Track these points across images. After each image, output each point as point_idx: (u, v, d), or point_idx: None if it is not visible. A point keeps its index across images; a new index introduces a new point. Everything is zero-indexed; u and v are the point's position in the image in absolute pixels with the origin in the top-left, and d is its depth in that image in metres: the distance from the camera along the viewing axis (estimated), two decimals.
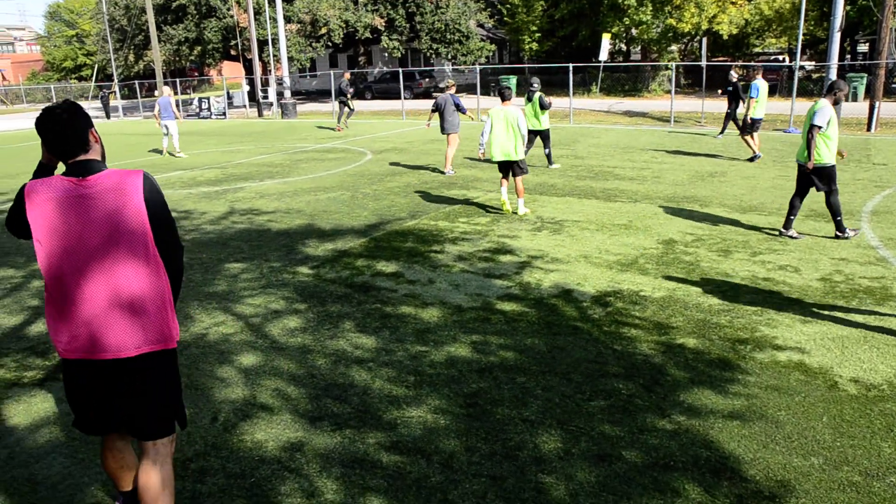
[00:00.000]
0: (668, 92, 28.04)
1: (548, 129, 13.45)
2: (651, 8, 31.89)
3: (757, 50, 38.39)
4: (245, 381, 4.92)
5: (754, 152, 13.75)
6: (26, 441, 4.27)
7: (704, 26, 31.54)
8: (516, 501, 3.48)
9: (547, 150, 13.72)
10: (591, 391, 4.57)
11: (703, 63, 22.26)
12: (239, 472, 3.84)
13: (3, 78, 69.01)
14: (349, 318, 6.05)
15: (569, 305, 6.13)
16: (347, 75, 23.69)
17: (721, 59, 37.22)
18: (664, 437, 3.99)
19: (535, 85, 13.19)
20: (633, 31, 35.70)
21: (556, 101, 31.03)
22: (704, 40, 23.14)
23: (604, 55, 25.70)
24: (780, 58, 38.39)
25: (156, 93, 23.22)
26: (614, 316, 5.84)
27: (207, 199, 11.96)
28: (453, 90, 13.75)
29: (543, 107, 13.09)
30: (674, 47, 37.80)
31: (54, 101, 41.26)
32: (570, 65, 24.15)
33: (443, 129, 13.45)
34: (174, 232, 3.01)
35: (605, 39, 26.02)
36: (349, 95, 23.00)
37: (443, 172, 13.46)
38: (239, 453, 4.03)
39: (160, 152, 19.32)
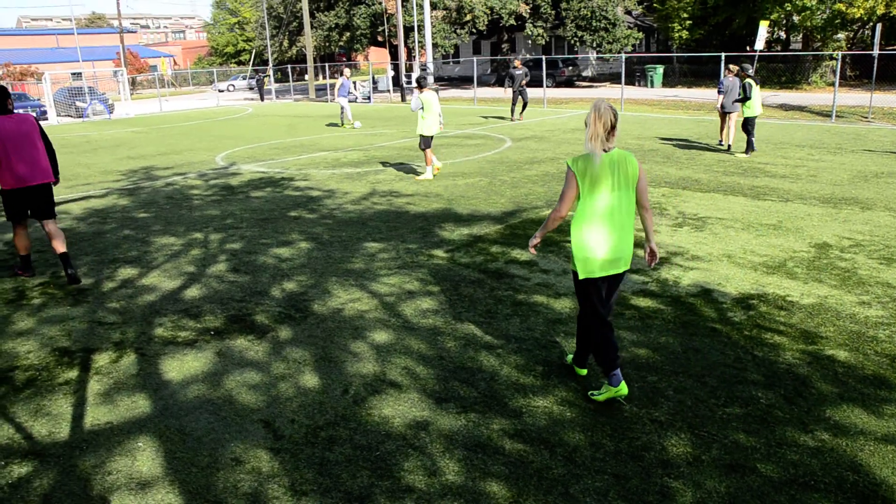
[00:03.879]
0: (832, 84, 26.06)
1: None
2: None
3: None
4: (376, 357, 5.08)
5: None
6: (178, 395, 4.62)
7: (880, 11, 28.84)
8: (639, 503, 3.39)
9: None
10: (727, 397, 4.36)
11: (876, 52, 20.41)
12: (365, 445, 3.97)
13: (175, 63, 74.60)
14: (481, 303, 6.09)
15: (708, 306, 5.86)
16: (518, 62, 21.86)
17: None
18: (805, 454, 3.74)
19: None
20: (795, 18, 33.31)
21: (705, 93, 29.67)
22: (879, 26, 21.17)
23: (760, 44, 24.18)
24: None
25: (338, 76, 24.12)
26: (757, 320, 5.53)
27: (350, 180, 12.41)
28: None
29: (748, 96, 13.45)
30: (840, 35, 34.91)
31: (216, 83, 44.17)
32: (723, 54, 22.89)
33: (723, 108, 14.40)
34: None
35: (763, 27, 24.46)
36: (523, 84, 21.13)
37: None
38: (366, 426, 4.17)
39: (337, 125, 22.82)
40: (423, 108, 11.79)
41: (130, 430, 4.22)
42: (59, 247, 7.04)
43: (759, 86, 13.85)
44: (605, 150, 4.09)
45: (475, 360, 4.99)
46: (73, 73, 48.86)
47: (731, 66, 14.41)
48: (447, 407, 4.35)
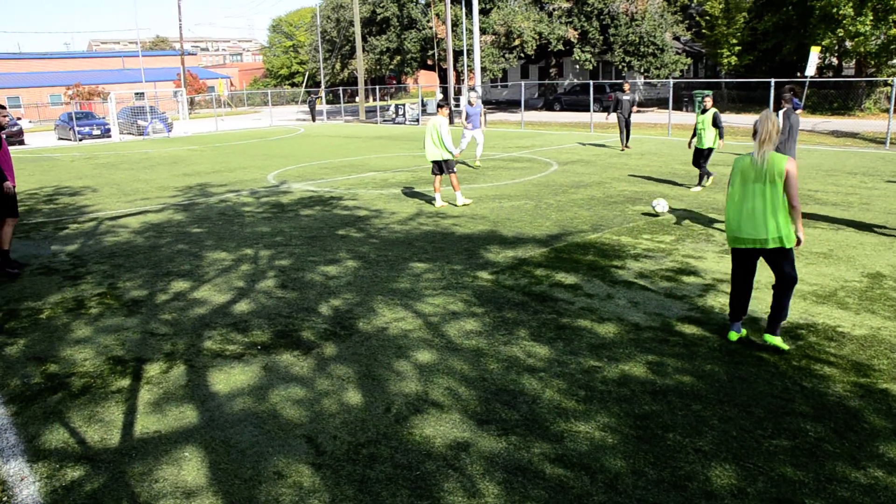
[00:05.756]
0: (886, 111, 25.39)
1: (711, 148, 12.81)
2: (871, 17, 28.96)
3: None
4: (419, 377, 5.12)
5: None
6: (224, 407, 4.73)
7: None
8: None
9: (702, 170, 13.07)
10: (774, 429, 4.26)
11: None
12: (406, 464, 4.00)
13: (231, 84, 76.68)
14: (524, 325, 6.09)
15: (755, 334, 5.75)
16: (627, 87, 19.82)
17: None
18: (857, 491, 3.64)
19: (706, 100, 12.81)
20: (848, 44, 32.61)
21: (753, 118, 29.16)
22: None
23: (811, 70, 23.71)
24: None
25: (466, 98, 21.33)
26: (805, 350, 5.41)
27: (397, 201, 12.55)
28: None
29: (716, 124, 12.68)
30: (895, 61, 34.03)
31: (270, 104, 45.22)
32: (772, 80, 22.54)
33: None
34: None
35: (814, 53, 24.00)
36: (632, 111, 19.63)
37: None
38: (407, 445, 4.20)
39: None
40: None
41: (178, 439, 4.33)
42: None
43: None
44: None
45: (517, 382, 4.98)
46: (137, 93, 50.65)
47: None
48: (488, 429, 4.36)
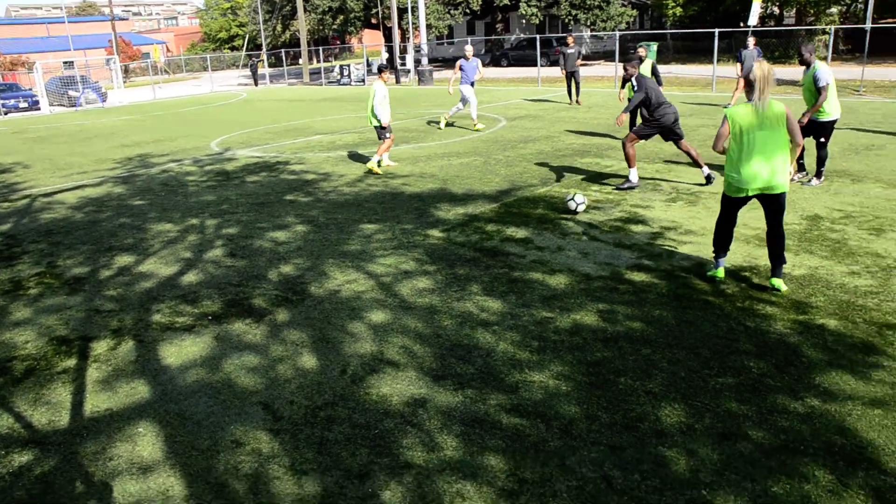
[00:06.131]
0: (824, 58, 25.91)
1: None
2: None
3: None
4: (374, 337, 5.13)
5: None
6: (177, 380, 4.67)
7: None
8: (634, 472, 3.45)
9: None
10: (720, 367, 4.41)
11: (868, 26, 20.31)
12: (364, 423, 4.03)
13: (168, 50, 74.16)
14: (477, 281, 6.13)
15: (700, 279, 5.90)
16: (571, 39, 19.52)
17: (890, 20, 33.86)
18: (795, 420, 3.80)
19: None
20: None
21: (699, 69, 29.52)
22: (871, 0, 21.06)
23: (753, 20, 24.01)
24: None
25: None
26: (749, 292, 5.58)
27: (345, 163, 12.41)
28: None
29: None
30: (833, 9, 34.69)
31: (209, 70, 43.97)
32: (716, 30, 22.78)
33: None
34: None
35: (756, 3, 24.29)
36: (577, 64, 19.16)
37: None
38: (365, 405, 4.22)
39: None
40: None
41: (130, 415, 4.27)
42: None
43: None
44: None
45: (471, 337, 5.03)
46: (65, 62, 48.60)
47: (751, 39, 15.72)
48: (444, 384, 4.40)
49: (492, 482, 3.45)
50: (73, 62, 43.65)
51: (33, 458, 3.90)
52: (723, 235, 5.81)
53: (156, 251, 7.66)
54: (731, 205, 5.67)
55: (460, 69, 15.76)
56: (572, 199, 8.00)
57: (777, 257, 5.52)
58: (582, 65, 20.89)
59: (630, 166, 9.22)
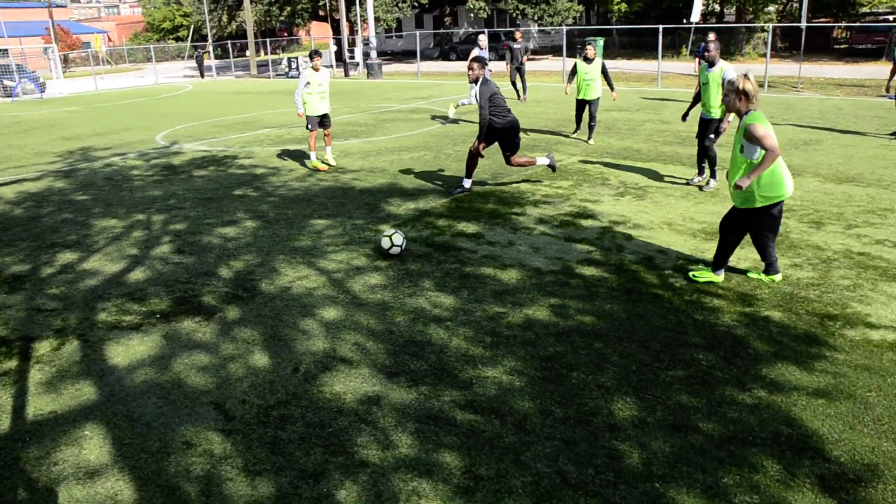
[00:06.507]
0: (763, 55, 26.66)
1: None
2: None
3: (864, 10, 35.63)
4: (326, 334, 5.08)
5: None
6: (125, 381, 4.55)
7: None
8: (588, 466, 3.49)
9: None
10: (670, 360, 4.50)
11: (804, 24, 20.96)
12: (318, 422, 3.99)
13: (109, 39, 71.97)
14: (429, 276, 6.12)
15: (650, 273, 6.01)
16: (519, 35, 18.86)
17: (823, 20, 34.99)
18: (743, 411, 3.90)
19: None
20: None
21: (644, 64, 30.05)
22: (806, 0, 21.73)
23: (696, 16, 24.56)
24: (891, 18, 35.62)
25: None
26: (696, 285, 5.70)
27: (294, 157, 12.24)
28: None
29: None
30: (771, 7, 35.62)
31: (154, 61, 42.85)
32: (661, 26, 23.23)
33: None
34: None
35: (698, 0, 24.87)
36: (524, 60, 18.69)
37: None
38: (318, 403, 4.18)
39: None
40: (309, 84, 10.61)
41: (76, 418, 4.14)
42: None
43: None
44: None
45: (424, 333, 5.03)
46: None
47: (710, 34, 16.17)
48: (398, 381, 4.39)
49: (447, 479, 3.46)
50: (7, 50, 41.98)
51: None
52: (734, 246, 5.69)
53: (101, 248, 7.44)
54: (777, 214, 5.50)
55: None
56: (390, 237, 6.62)
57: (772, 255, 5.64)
58: (530, 59, 20.92)
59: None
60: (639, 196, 8.56)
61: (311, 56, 10.75)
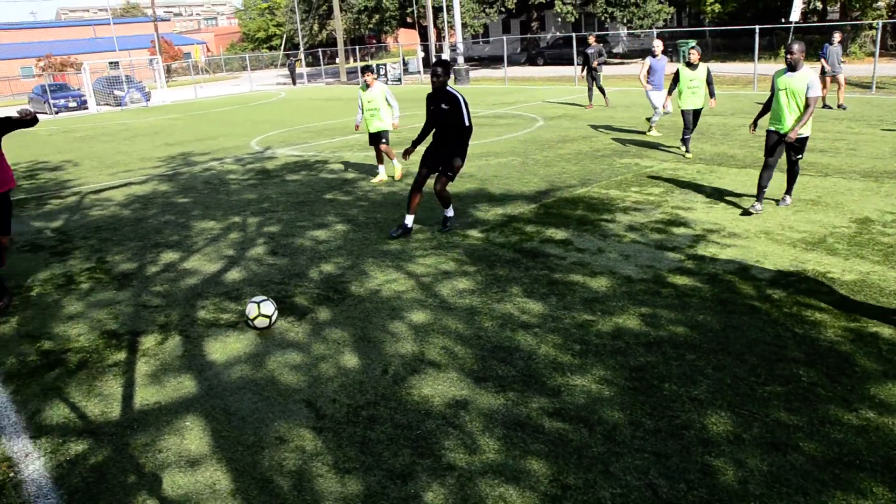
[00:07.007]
0: (871, 54, 25.28)
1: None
2: None
3: None
4: (414, 337, 5.14)
5: None
6: (222, 376, 4.74)
7: None
8: (680, 481, 3.40)
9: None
10: (767, 375, 4.33)
11: None
12: (406, 424, 4.04)
13: (208, 50, 75.26)
14: (517, 282, 6.11)
15: (746, 283, 5.80)
16: (592, 39, 18.24)
17: None
18: (849, 433, 3.71)
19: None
20: None
21: (739, 67, 29.03)
22: None
23: (795, 15, 23.51)
24: None
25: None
26: (796, 297, 5.46)
27: None
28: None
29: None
30: (881, 2, 33.75)
31: (248, 69, 44.46)
32: (757, 27, 22.36)
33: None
34: None
35: None
36: (596, 65, 17.99)
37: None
38: (406, 405, 4.23)
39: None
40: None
41: (178, 409, 4.34)
42: None
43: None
44: None
45: (513, 339, 5.02)
46: (111, 63, 49.59)
47: (836, 34, 15.96)
48: (486, 386, 4.39)
49: (534, 486, 3.43)
50: (118, 62, 44.54)
51: (88, 447, 3.99)
52: None
53: (200, 248, 7.78)
54: None
55: (649, 69, 13.26)
56: (258, 304, 5.41)
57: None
58: (619, 63, 20.44)
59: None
60: (734, 203, 8.27)
61: (362, 72, 10.16)
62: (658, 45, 13.34)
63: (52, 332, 5.69)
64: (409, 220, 7.73)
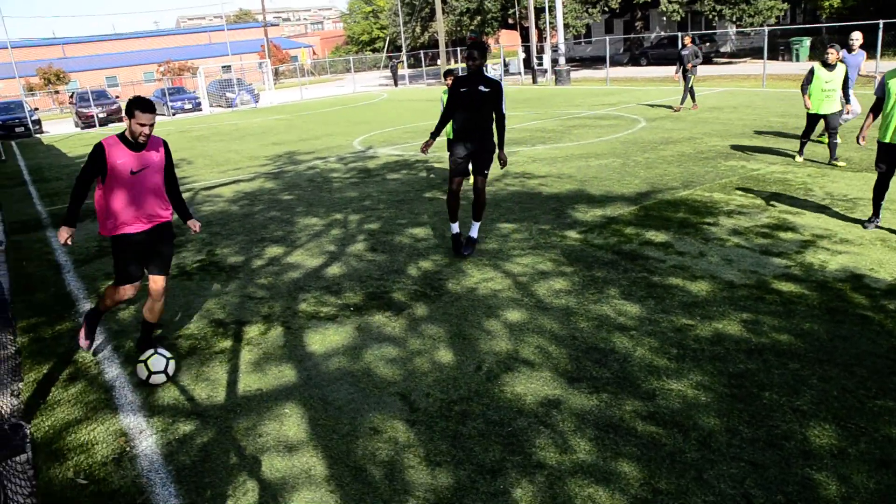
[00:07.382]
0: None
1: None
2: None
3: None
4: (509, 336, 5.17)
5: None
6: (321, 366, 4.92)
7: None
8: (778, 493, 3.28)
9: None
10: (878, 389, 4.10)
11: None
12: (498, 420, 4.08)
13: (314, 53, 77.81)
14: (614, 284, 6.04)
15: (857, 292, 5.51)
16: (688, 40, 17.68)
17: None
18: None
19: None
20: None
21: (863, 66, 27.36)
22: None
23: None
24: None
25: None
26: None
27: None
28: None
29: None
30: None
31: (352, 71, 45.62)
32: (881, 21, 20.99)
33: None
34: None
35: None
36: (690, 66, 17.41)
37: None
38: (499, 402, 4.27)
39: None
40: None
41: (278, 397, 4.55)
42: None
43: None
44: None
45: (608, 340, 4.97)
46: (223, 66, 52.16)
47: None
48: (579, 386, 4.38)
49: (624, 489, 3.40)
50: (230, 66, 46.76)
51: (195, 428, 4.24)
52: None
53: (303, 243, 8.09)
54: None
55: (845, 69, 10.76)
56: (145, 362, 4.81)
57: None
58: (727, 62, 19.61)
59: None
60: (847, 209, 7.86)
61: (444, 76, 9.92)
62: (857, 38, 11.45)
63: (165, 319, 6.06)
64: (456, 227, 7.26)
